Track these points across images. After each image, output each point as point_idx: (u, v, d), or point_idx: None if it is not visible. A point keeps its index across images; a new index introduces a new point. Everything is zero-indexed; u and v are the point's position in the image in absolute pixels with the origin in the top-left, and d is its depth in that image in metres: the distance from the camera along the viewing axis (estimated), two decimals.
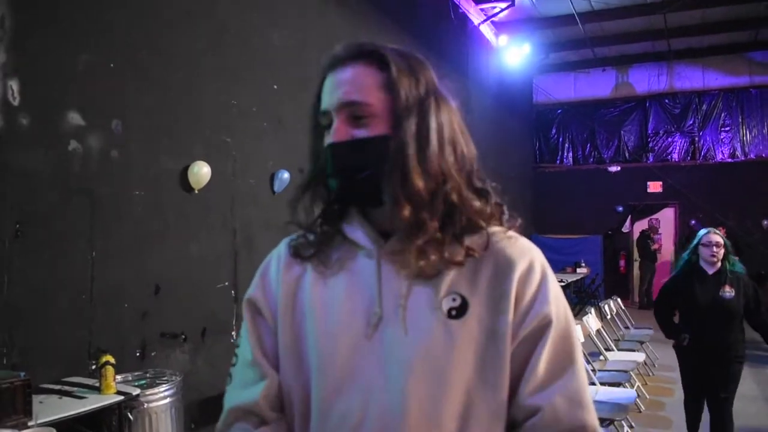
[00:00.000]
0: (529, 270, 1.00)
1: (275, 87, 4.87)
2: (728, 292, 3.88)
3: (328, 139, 1.01)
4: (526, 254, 1.02)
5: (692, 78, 12.34)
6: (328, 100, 1.01)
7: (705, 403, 4.08)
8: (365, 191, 1.00)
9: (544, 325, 0.98)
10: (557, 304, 1.00)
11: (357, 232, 1.05)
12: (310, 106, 1.06)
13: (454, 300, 0.98)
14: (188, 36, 4.06)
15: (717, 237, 4.01)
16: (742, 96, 12.03)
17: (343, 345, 0.99)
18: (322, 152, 1.04)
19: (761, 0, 9.26)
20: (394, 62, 1.00)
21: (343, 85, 1.00)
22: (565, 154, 13.26)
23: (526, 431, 0.97)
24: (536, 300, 0.99)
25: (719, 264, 3.96)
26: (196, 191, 3.99)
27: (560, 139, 13.31)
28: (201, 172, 3.95)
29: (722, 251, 3.97)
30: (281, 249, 1.13)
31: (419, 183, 0.96)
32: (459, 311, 0.97)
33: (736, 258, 4.09)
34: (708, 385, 3.99)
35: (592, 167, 12.97)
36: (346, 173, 0.99)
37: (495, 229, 1.04)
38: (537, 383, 0.97)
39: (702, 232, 4.12)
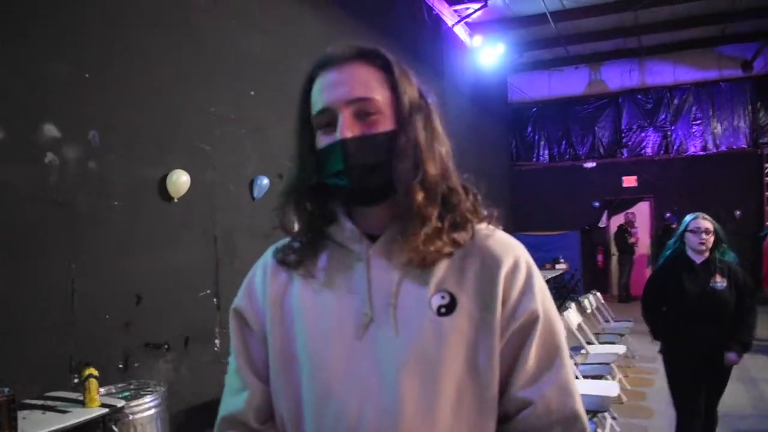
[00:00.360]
0: (515, 266, 1.03)
1: (252, 93, 4.86)
2: (719, 282, 3.49)
3: (332, 136, 1.01)
4: (510, 251, 1.05)
5: (663, 73, 12.52)
6: (328, 98, 1.01)
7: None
8: (377, 186, 1.01)
9: (532, 321, 1.01)
10: (543, 299, 1.04)
11: (345, 234, 1.06)
12: (296, 107, 1.06)
13: (443, 297, 1.00)
14: (164, 44, 4.04)
15: (706, 223, 3.55)
16: (713, 90, 12.23)
17: (334, 347, 1.01)
18: (310, 154, 1.05)
19: None
20: (394, 62, 1.04)
21: (347, 82, 1.01)
22: (541, 151, 13.38)
23: (518, 424, 1.01)
24: (523, 296, 1.02)
25: (708, 253, 3.55)
26: (176, 200, 3.97)
27: (536, 137, 13.42)
28: (180, 180, 3.94)
29: (712, 238, 3.53)
30: (267, 257, 1.15)
31: (433, 170, 1.00)
32: (448, 308, 1.00)
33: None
34: (702, 395, 3.62)
35: (568, 164, 13.10)
36: (360, 169, 0.99)
37: (479, 225, 1.07)
38: (527, 377, 1.01)
39: (689, 217, 3.65)
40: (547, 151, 13.34)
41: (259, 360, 1.10)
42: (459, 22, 9.88)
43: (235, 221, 4.57)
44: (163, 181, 3.92)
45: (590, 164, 12.91)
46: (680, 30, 11.19)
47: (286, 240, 1.13)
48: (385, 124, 1.01)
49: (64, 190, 3.29)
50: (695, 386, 3.60)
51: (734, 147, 12.11)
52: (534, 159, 13.40)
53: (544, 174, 13.18)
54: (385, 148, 1.00)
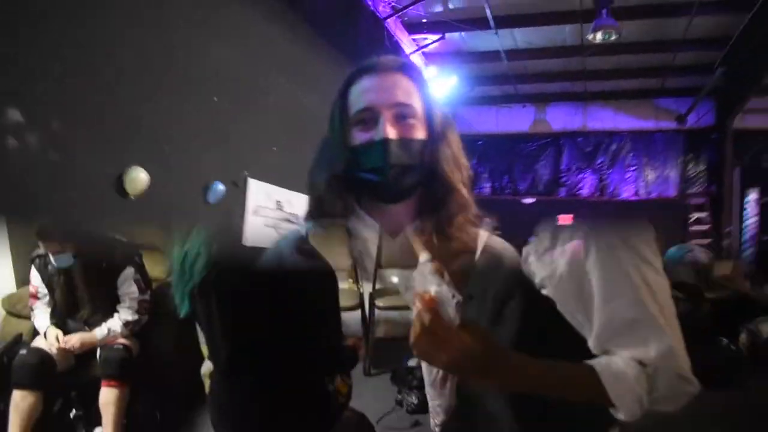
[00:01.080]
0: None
1: (215, 99, 4.85)
2: None
3: (370, 133, 1.09)
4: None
5: (604, 119, 13.04)
6: (372, 99, 1.09)
7: None
8: (407, 185, 1.11)
9: None
10: None
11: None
12: (334, 103, 1.13)
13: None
14: (134, 42, 3.99)
15: (704, 255, 2.86)
16: (648, 139, 12.84)
17: None
18: (343, 148, 1.11)
19: (671, 51, 9.99)
20: (427, 81, 1.14)
21: (392, 87, 1.10)
22: (484, 183, 13.67)
23: None
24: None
25: None
26: (132, 197, 3.90)
27: (480, 169, 13.71)
28: (138, 177, 3.86)
29: None
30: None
31: (466, 174, 1.19)
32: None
33: None
34: None
35: (509, 198, 13.43)
36: (397, 168, 1.08)
37: (479, 230, 1.22)
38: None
39: (678, 251, 2.79)
40: (489, 184, 13.65)
41: None
42: (416, 51, 10.08)
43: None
44: (120, 178, 3.85)
45: (529, 200, 13.28)
46: (623, 79, 11.76)
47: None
48: (420, 131, 1.10)
49: (23, 179, 3.20)
50: None
51: (663, 195, 12.70)
52: (476, 191, 13.64)
53: (485, 206, 13.40)
54: (420, 152, 1.09)
